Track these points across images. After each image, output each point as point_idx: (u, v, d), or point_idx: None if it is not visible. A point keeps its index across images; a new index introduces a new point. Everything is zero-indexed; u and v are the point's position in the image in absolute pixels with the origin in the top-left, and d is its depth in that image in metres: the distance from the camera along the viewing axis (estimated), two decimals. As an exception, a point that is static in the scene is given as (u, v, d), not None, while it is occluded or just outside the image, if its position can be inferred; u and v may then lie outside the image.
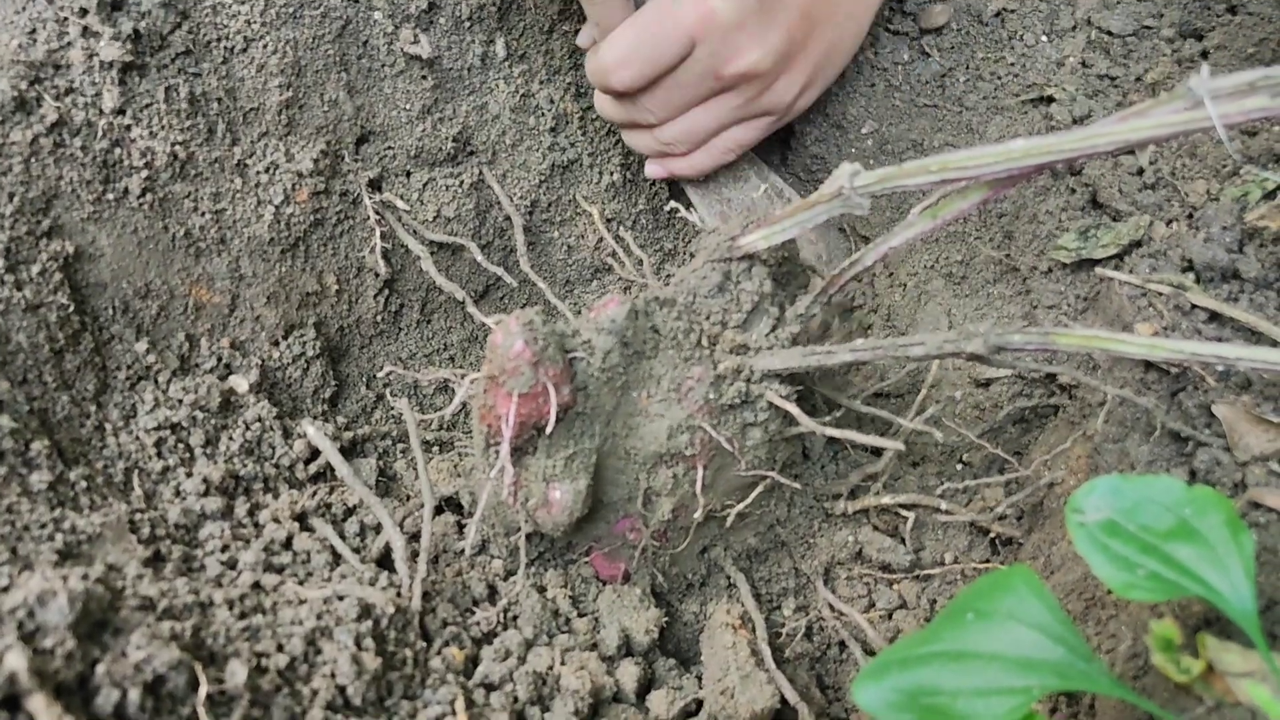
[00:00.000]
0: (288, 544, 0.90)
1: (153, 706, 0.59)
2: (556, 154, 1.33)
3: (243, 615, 0.73)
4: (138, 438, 0.93)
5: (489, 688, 0.84)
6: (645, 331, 0.94)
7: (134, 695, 0.58)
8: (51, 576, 0.59)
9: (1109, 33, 1.26)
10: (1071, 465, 1.02)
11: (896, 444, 0.93)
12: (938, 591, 1.04)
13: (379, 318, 1.23)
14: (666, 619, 1.02)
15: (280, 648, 0.71)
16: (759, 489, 1.01)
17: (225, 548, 0.86)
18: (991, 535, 1.07)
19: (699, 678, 1.01)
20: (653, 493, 0.98)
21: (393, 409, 1.22)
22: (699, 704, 0.96)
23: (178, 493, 0.91)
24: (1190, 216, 1.08)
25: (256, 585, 0.81)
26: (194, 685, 0.61)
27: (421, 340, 1.27)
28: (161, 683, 0.60)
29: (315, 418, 1.12)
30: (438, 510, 1.05)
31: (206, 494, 0.91)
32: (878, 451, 1.12)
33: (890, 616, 1.04)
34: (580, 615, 0.99)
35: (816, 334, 1.01)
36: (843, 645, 1.05)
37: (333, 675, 0.72)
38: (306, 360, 1.12)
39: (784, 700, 0.95)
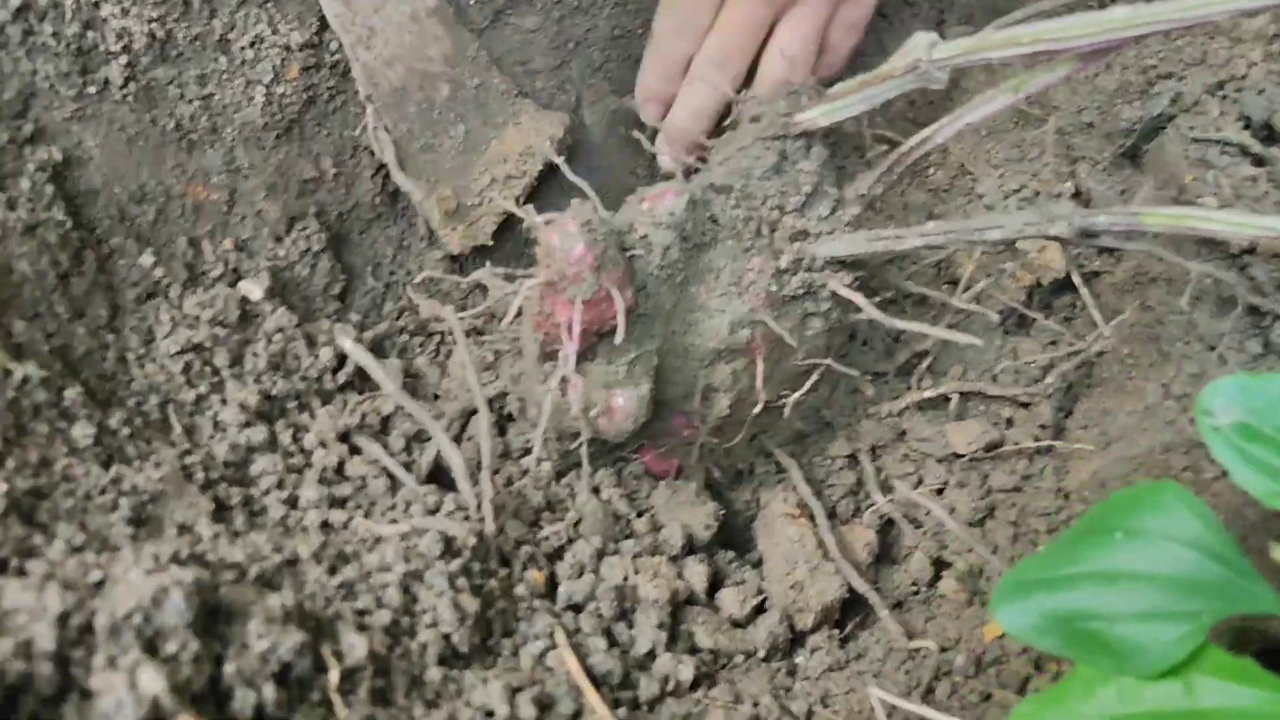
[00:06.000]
0: (340, 470, 0.84)
1: (285, 700, 0.54)
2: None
3: (332, 570, 0.68)
4: (163, 365, 0.84)
5: (575, 609, 0.81)
6: (703, 222, 0.88)
7: (269, 692, 0.53)
8: (156, 569, 0.53)
9: None
10: (1126, 334, 1.00)
11: (971, 338, 0.90)
12: (990, 467, 1.03)
13: (377, 199, 1.13)
14: (722, 511, 1.00)
15: (379, 602, 0.67)
16: (814, 377, 0.98)
17: (280, 483, 0.80)
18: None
19: (755, 565, 1.00)
20: (711, 389, 0.94)
21: (401, 299, 1.13)
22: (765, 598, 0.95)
23: (216, 425, 0.83)
24: (1244, 76, 1.04)
25: (325, 524, 0.76)
26: (319, 667, 0.57)
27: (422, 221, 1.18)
28: (288, 670, 0.55)
29: (328, 317, 1.04)
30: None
31: (248, 424, 0.83)
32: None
33: (941, 493, 1.04)
34: (638, 515, 0.96)
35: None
36: (892, 524, 1.04)
37: (435, 624, 0.68)
38: (314, 255, 1.03)
39: (851, 589, 0.95)
